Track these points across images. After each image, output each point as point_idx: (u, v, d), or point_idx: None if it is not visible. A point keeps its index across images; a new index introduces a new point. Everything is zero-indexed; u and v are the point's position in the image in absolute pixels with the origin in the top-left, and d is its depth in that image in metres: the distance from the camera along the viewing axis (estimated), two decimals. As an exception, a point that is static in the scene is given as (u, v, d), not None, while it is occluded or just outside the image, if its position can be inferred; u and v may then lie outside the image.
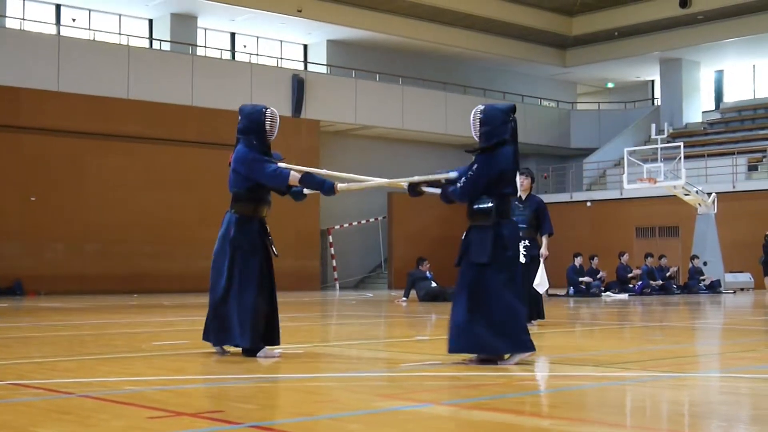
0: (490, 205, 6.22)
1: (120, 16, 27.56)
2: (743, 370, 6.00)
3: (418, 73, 31.77)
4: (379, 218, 30.02)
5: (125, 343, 8.06)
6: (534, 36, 33.47)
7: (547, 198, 26.11)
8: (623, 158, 26.45)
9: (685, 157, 25.00)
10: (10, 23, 24.91)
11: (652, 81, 37.83)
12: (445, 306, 15.29)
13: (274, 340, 6.69)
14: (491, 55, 33.14)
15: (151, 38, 27.86)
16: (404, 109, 30.11)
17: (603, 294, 21.14)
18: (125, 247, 23.54)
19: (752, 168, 29.02)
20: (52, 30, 25.67)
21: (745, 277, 25.26)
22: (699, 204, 24.39)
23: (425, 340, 8.73)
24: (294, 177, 6.52)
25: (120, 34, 27.03)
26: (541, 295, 10.50)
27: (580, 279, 21.22)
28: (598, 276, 21.78)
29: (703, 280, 23.35)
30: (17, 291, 21.48)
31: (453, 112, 30.18)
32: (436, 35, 31.16)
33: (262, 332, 6.52)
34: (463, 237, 6.36)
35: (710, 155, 29.69)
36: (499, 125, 6.30)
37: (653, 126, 26.37)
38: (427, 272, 18.50)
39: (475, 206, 6.27)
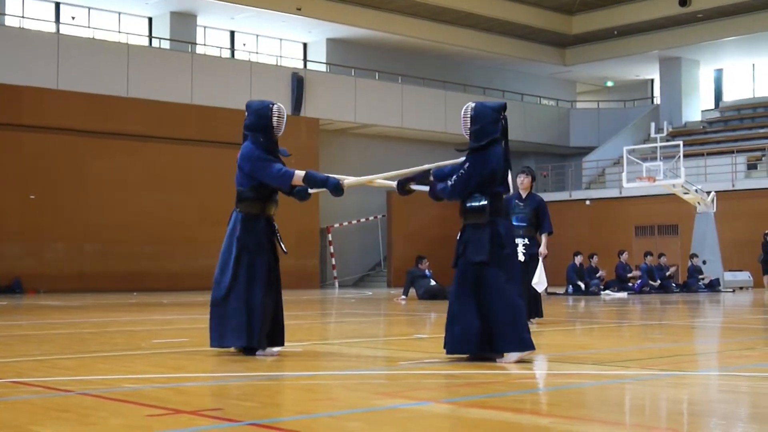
0: (484, 203, 6.19)
1: (119, 14, 27.55)
2: (742, 369, 6.00)
3: (418, 71, 31.77)
4: (378, 216, 30.02)
5: (125, 341, 8.06)
6: (533, 35, 33.47)
7: (546, 196, 26.12)
8: (622, 157, 26.45)
9: (685, 156, 25.00)
10: (9, 21, 24.90)
11: (652, 80, 37.84)
12: (444, 304, 15.27)
13: (279, 341, 6.65)
14: (491, 53, 33.13)
15: (150, 36, 27.85)
16: (404, 108, 30.11)
17: (602, 293, 21.14)
18: (124, 245, 23.54)
19: (751, 167, 29.03)
20: (51, 28, 25.67)
21: (744, 276, 25.26)
22: (698, 203, 24.39)
23: (424, 339, 8.73)
24: (298, 177, 6.48)
25: (119, 32, 27.04)
26: (539, 293, 10.50)
27: (578, 282, 21.18)
28: (598, 275, 21.78)
29: (702, 278, 23.36)
30: (17, 289, 21.48)
31: (452, 111, 30.17)
32: (436, 34, 31.15)
33: (267, 332, 6.48)
34: (458, 237, 6.35)
35: (709, 154, 29.70)
36: (489, 123, 6.25)
37: (652, 125, 26.37)
38: (427, 270, 18.50)
39: (469, 204, 6.25)
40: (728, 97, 35.70)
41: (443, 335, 6.33)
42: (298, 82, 27.51)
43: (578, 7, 33.07)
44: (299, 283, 24.82)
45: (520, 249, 10.21)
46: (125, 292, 21.65)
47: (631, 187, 25.89)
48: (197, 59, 26.29)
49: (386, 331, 10.36)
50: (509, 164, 6.38)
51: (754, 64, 35.14)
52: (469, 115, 6.30)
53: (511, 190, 7.34)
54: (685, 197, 24.32)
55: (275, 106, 6.71)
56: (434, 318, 12.13)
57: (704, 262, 23.97)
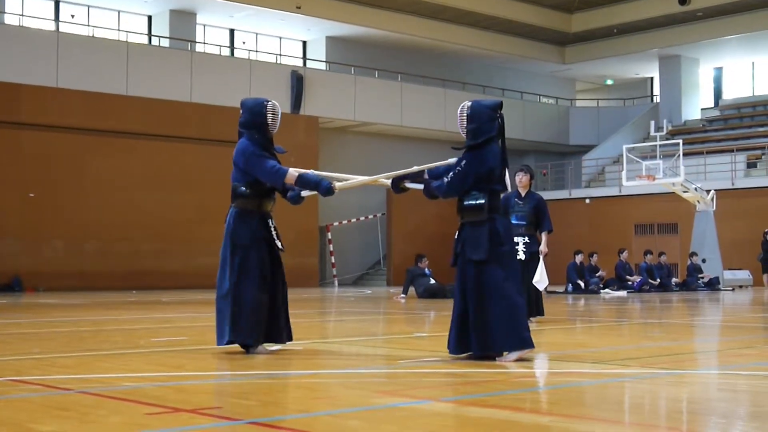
0: (482, 201, 6.19)
1: (119, 12, 27.54)
2: (742, 367, 6.00)
3: (418, 69, 31.75)
4: (378, 215, 30.01)
5: (124, 340, 8.06)
6: (533, 33, 33.46)
7: (545, 195, 26.09)
8: (622, 155, 26.43)
9: (684, 155, 24.99)
10: (8, 19, 24.87)
11: (651, 78, 37.82)
12: (443, 303, 15.31)
13: (280, 338, 6.62)
14: (490, 51, 33.12)
15: (150, 35, 27.83)
16: (403, 106, 30.10)
17: (602, 291, 21.14)
18: (124, 243, 23.53)
19: (751, 165, 29.02)
20: (51, 26, 25.65)
21: (744, 275, 25.27)
22: (698, 201, 24.38)
23: (424, 337, 8.73)
24: (291, 175, 6.46)
25: (119, 30, 27.02)
26: (540, 292, 10.50)
27: (578, 281, 21.17)
28: (598, 273, 21.79)
29: (702, 277, 23.36)
30: (16, 287, 21.47)
31: (452, 109, 29.98)
32: (436, 32, 31.13)
33: (263, 329, 6.46)
34: (456, 236, 6.35)
35: (709, 152, 29.69)
36: (485, 122, 6.25)
37: (652, 123, 26.37)
38: (426, 269, 18.49)
39: (466, 202, 6.25)
40: (728, 95, 35.69)
41: (443, 334, 6.33)
42: (297, 81, 27.50)
43: (578, 6, 33.06)
44: (298, 282, 24.80)
45: (520, 247, 10.21)
46: (125, 291, 21.65)
47: (630, 186, 25.88)
48: (197, 57, 26.28)
49: (386, 329, 10.37)
50: (506, 162, 6.37)
51: (753, 63, 35.13)
52: (465, 114, 6.31)
53: (509, 188, 7.33)
54: (685, 196, 24.32)
55: (269, 103, 6.69)
56: (434, 316, 12.14)
57: (704, 261, 23.98)
